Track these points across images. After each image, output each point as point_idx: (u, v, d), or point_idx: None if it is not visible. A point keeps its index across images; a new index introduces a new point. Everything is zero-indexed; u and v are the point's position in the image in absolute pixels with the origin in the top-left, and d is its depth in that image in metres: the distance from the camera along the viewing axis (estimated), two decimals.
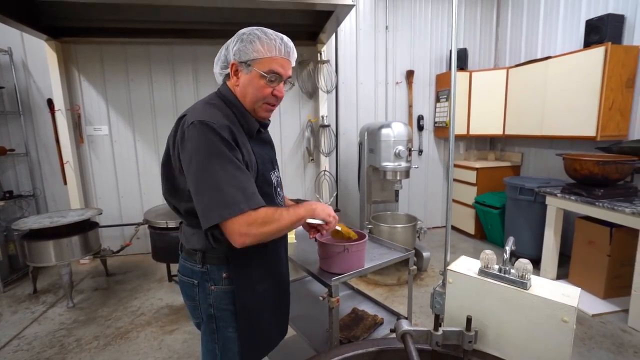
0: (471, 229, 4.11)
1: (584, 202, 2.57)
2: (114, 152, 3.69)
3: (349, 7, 2.71)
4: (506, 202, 3.52)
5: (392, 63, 4.13)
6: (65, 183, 3.52)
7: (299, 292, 1.92)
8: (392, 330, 1.33)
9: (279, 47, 1.00)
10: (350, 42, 4.00)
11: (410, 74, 4.15)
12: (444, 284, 1.54)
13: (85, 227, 2.96)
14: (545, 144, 3.71)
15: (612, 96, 2.79)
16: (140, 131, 3.69)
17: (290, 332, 2.14)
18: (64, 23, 3.17)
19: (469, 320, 1.07)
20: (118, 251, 3.29)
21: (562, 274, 3.04)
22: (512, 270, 1.11)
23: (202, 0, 2.69)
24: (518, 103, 3.69)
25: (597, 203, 2.46)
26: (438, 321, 1.08)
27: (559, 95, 3.16)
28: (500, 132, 3.95)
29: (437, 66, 4.26)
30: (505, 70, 3.83)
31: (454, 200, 4.43)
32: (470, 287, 1.16)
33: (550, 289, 1.05)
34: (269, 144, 1.17)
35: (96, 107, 3.59)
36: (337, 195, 4.04)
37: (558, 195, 2.79)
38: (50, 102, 3.41)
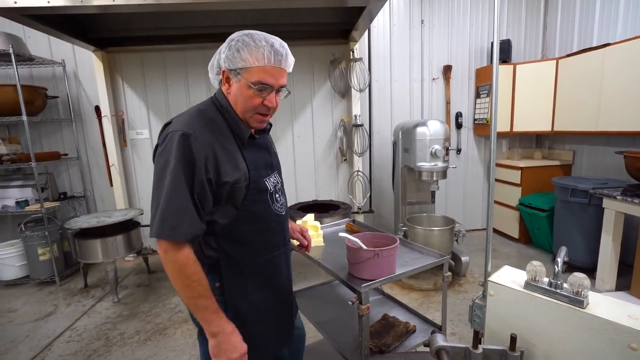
0: (515, 233, 3.84)
1: None
2: None
3: (382, 2, 2.62)
4: (555, 205, 3.25)
5: (428, 59, 3.96)
6: (112, 185, 3.74)
7: (328, 296, 1.88)
8: (425, 345, 1.24)
9: (267, 55, 0.94)
10: (384, 38, 3.88)
11: (447, 69, 3.96)
12: (484, 296, 1.42)
13: (128, 227, 3.12)
14: (602, 141, 3.37)
15: None
16: None
17: (319, 336, 2.11)
18: (108, 34, 3.37)
19: (513, 339, 0.97)
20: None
21: (622, 285, 2.74)
22: (565, 285, 0.99)
23: (235, 4, 2.73)
24: (569, 96, 3.39)
25: None
26: (478, 338, 0.99)
27: (618, 86, 2.85)
28: (549, 129, 3.64)
29: (477, 60, 4.02)
30: (554, 61, 3.53)
31: (495, 202, 4.17)
32: (515, 301, 1.06)
33: (614, 309, 0.93)
34: (265, 149, 1.13)
35: (138, 112, 3.78)
36: (370, 196, 3.95)
37: (618, 197, 2.51)
38: (97, 109, 3.63)
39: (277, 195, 1.11)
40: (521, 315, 1.05)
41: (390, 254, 1.25)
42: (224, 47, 0.98)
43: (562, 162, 3.80)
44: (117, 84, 3.69)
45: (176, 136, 0.91)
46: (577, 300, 0.93)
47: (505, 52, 3.77)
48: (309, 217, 1.70)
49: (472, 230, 4.33)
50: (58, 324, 2.62)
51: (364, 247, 1.26)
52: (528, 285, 1.03)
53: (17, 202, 3.25)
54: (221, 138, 0.97)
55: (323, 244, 1.67)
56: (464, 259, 3.05)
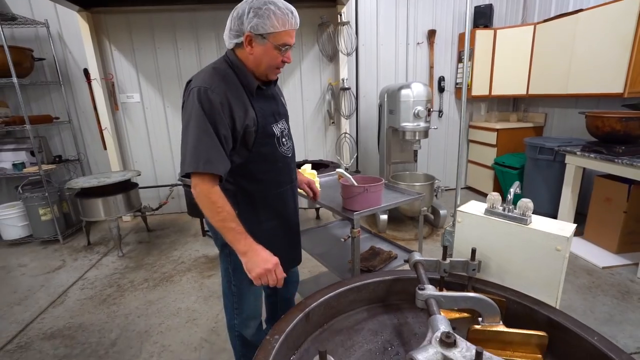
0: (489, 190, 4.17)
1: (603, 159, 2.60)
2: (146, 118, 3.92)
3: None
4: (526, 163, 3.56)
5: (413, 23, 4.05)
6: (105, 148, 3.82)
7: (326, 235, 2.17)
8: (405, 261, 1.52)
9: (290, 21, 1.10)
10: (371, 2, 3.94)
11: (431, 34, 4.08)
12: (454, 224, 1.70)
13: (127, 187, 3.26)
14: (570, 104, 3.65)
15: None
16: (169, 97, 3.88)
17: (319, 266, 2.41)
18: None
19: (473, 251, 1.23)
20: (157, 208, 3.61)
21: (578, 232, 3.11)
22: (515, 210, 1.25)
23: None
24: (544, 61, 3.60)
25: (616, 160, 2.49)
26: (446, 252, 1.24)
27: (587, 50, 3.07)
28: (524, 92, 3.88)
29: (460, 25, 4.14)
30: (532, 27, 3.70)
31: (472, 162, 4.48)
32: (477, 225, 1.31)
33: (548, 224, 1.19)
34: (273, 98, 1.27)
35: (127, 75, 3.78)
36: (357, 157, 4.17)
37: (578, 153, 2.81)
38: (86, 72, 3.62)
39: (283, 140, 1.27)
40: (481, 236, 1.30)
41: (377, 190, 1.49)
42: (245, 12, 1.09)
43: (535, 124, 4.09)
44: (104, 47, 3.66)
45: (196, 91, 1.07)
46: (523, 219, 1.18)
47: (487, 17, 3.90)
48: (307, 166, 1.90)
49: (452, 189, 4.65)
50: (69, 276, 2.82)
51: (356, 183, 1.49)
52: (487, 211, 1.28)
53: (14, 165, 3.32)
54: (234, 89, 1.13)
55: (320, 189, 1.90)
56: (442, 212, 3.36)
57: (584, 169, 2.98)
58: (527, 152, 3.47)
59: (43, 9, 3.49)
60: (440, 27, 4.11)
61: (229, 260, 1.31)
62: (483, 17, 3.90)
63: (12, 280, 2.80)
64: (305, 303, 1.06)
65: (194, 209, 3.21)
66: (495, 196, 1.29)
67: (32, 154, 3.50)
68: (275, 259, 1.11)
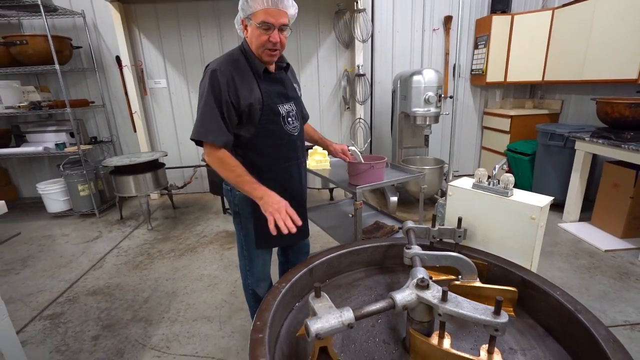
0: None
1: (611, 145, 2.63)
2: (172, 103, 4.19)
3: None
4: (537, 149, 3.59)
5: (429, 9, 4.09)
6: (135, 130, 4.12)
7: (336, 211, 2.37)
8: (400, 229, 1.70)
9: (266, 0, 1.20)
10: None
11: (448, 20, 4.10)
12: (445, 198, 1.85)
13: (155, 166, 3.55)
14: (587, 90, 3.62)
15: None
16: (193, 83, 4.12)
17: (331, 242, 2.61)
18: None
19: (459, 220, 1.38)
20: (182, 186, 3.91)
21: (585, 217, 3.16)
22: (499, 184, 1.39)
23: None
24: (561, 46, 3.58)
25: (624, 146, 2.52)
26: (435, 220, 1.40)
27: (603, 36, 3.06)
28: (540, 79, 3.87)
29: (477, 10, 4.14)
30: (550, 12, 3.67)
31: (485, 148, 4.52)
32: (466, 198, 1.46)
33: (527, 197, 1.33)
34: (281, 82, 1.40)
35: (155, 62, 4.04)
36: (371, 141, 4.30)
37: (587, 139, 2.84)
38: (118, 59, 3.90)
39: (289, 119, 1.40)
40: (469, 207, 1.45)
41: (380, 167, 1.66)
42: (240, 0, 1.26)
43: (550, 111, 4.07)
44: (134, 35, 3.92)
45: (208, 72, 1.26)
46: (505, 192, 1.33)
47: (505, 2, 3.89)
48: (318, 147, 2.09)
49: (465, 175, 4.72)
50: (106, 245, 3.15)
51: (363, 161, 1.66)
52: (475, 185, 1.43)
53: (57, 145, 3.66)
54: (241, 72, 1.29)
55: (329, 167, 2.09)
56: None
57: (595, 156, 3.02)
58: (538, 139, 3.51)
59: (80, 0, 3.76)
60: (457, 13, 4.11)
61: (241, 227, 1.49)
62: (501, 2, 3.89)
63: (57, 247, 3.15)
64: (309, 260, 1.25)
65: (215, 188, 3.47)
66: (482, 171, 1.43)
67: (72, 135, 3.84)
68: (285, 201, 1.24)
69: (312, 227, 2.35)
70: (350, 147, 1.78)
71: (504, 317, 0.76)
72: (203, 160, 3.51)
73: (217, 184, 3.40)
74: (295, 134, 1.45)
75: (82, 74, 4.02)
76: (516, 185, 1.37)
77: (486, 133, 4.52)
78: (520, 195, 1.34)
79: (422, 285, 0.89)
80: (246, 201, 1.40)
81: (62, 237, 3.34)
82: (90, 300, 2.32)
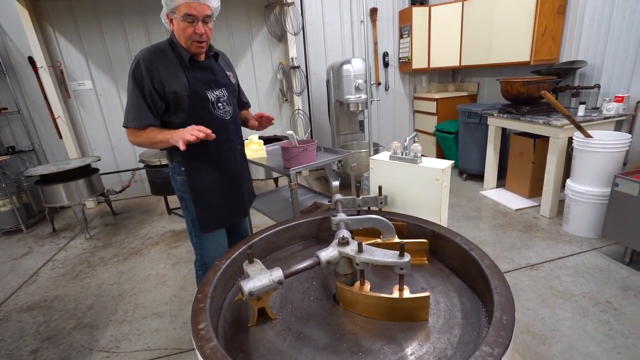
0: (433, 155, 4.63)
1: (513, 118, 3.05)
2: (100, 105, 3.96)
3: None
4: (459, 127, 4.00)
5: (355, 1, 4.30)
6: (61, 137, 3.83)
7: (277, 197, 2.49)
8: (329, 202, 1.85)
9: None
10: None
11: (374, 12, 4.35)
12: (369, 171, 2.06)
13: (88, 172, 3.36)
14: (495, 73, 4.10)
15: (544, 22, 3.13)
16: (123, 83, 3.92)
17: (270, 223, 2.69)
18: None
19: (379, 188, 1.56)
20: (120, 191, 3.74)
21: (501, 184, 3.62)
22: (410, 154, 1.59)
23: None
24: (471, 34, 4.00)
25: (521, 118, 2.94)
26: (359, 190, 1.57)
27: (503, 24, 3.48)
28: (457, 64, 4.29)
29: (400, 2, 4.44)
30: (461, 3, 4.07)
31: (418, 130, 4.90)
32: (384, 168, 1.65)
33: (432, 163, 1.54)
34: (210, 70, 1.47)
35: (76, 62, 3.78)
36: (311, 130, 4.45)
37: (495, 115, 3.25)
38: (31, 60, 3.59)
39: (219, 104, 1.47)
40: (388, 177, 1.64)
41: (312, 149, 1.79)
42: None
43: (469, 93, 4.53)
44: (48, 34, 3.63)
45: (133, 62, 1.34)
46: (414, 160, 1.53)
47: None
48: (254, 136, 2.16)
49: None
50: (38, 259, 2.95)
51: (297, 145, 1.78)
52: (391, 157, 1.62)
53: None
54: (166, 61, 1.36)
55: (266, 156, 2.18)
56: None
57: (504, 129, 3.45)
58: (459, 118, 3.91)
59: None
60: (382, 5, 4.38)
61: (187, 212, 1.56)
62: None
63: None
64: (249, 238, 1.34)
65: (157, 188, 3.38)
66: (396, 144, 1.63)
67: None
68: (191, 127, 1.28)
69: (257, 215, 2.45)
70: (287, 132, 1.89)
71: (406, 257, 0.93)
72: (141, 161, 3.38)
73: (158, 185, 3.32)
74: (227, 118, 1.52)
75: None
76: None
77: (417, 116, 4.89)
78: (427, 162, 1.56)
79: (343, 242, 1.04)
80: (187, 185, 1.49)
81: None
82: (24, 317, 2.19)
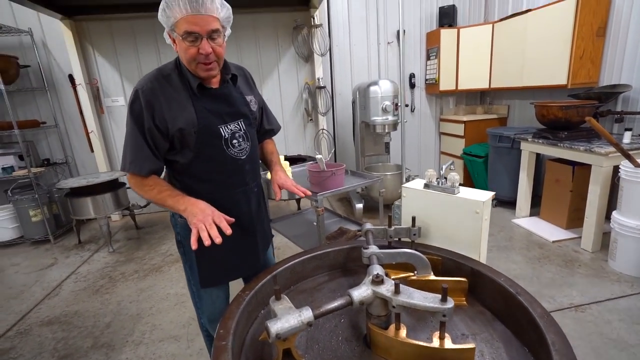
0: (460, 179, 4.46)
1: (549, 144, 2.89)
2: None
3: None
4: (489, 151, 3.85)
5: (383, 24, 4.31)
6: (92, 150, 3.96)
7: (301, 220, 2.41)
8: (359, 231, 1.76)
9: (183, 6, 0.99)
10: (342, 5, 4.18)
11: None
12: (401, 199, 1.96)
13: (115, 186, 3.42)
14: (528, 95, 3.95)
15: (583, 45, 3.00)
16: None
17: (294, 248, 2.63)
18: (76, 2, 3.44)
19: (413, 219, 1.47)
20: (145, 205, 3.78)
21: (535, 212, 3.41)
22: (447, 183, 1.49)
23: None
24: (502, 56, 3.90)
25: (559, 144, 2.78)
26: (391, 220, 1.48)
27: (536, 46, 3.37)
28: (487, 86, 4.18)
29: (427, 24, 4.42)
30: (490, 26, 3.99)
31: (443, 152, 4.77)
32: (418, 198, 1.56)
33: (472, 194, 1.44)
34: (224, 98, 1.19)
35: (111, 79, 3.94)
36: (335, 151, 4.41)
37: (529, 140, 3.10)
38: (71, 78, 3.76)
39: (234, 141, 1.19)
40: (422, 206, 1.55)
41: (340, 173, 1.73)
42: (159, 11, 1.06)
43: (499, 116, 4.39)
44: (88, 53, 3.81)
45: (132, 92, 1.10)
46: (452, 190, 1.43)
47: (451, 17, 4.18)
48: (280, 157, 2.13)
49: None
50: (62, 271, 2.98)
51: (325, 168, 1.72)
52: (426, 186, 1.53)
53: (3, 169, 3.44)
54: (170, 90, 1.11)
55: (291, 178, 2.13)
56: None
57: (538, 154, 3.28)
58: (489, 142, 3.76)
59: (26, 18, 3.62)
60: (409, 27, 4.37)
61: (186, 259, 1.31)
62: (447, 17, 4.19)
63: (6, 279, 2.94)
64: (273, 268, 1.27)
65: None
66: (431, 172, 1.54)
67: (21, 158, 3.62)
68: (213, 208, 1.08)
69: (278, 237, 2.37)
70: (316, 155, 1.83)
71: (449, 303, 0.83)
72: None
73: None
74: (243, 157, 1.24)
75: (32, 94, 3.83)
76: (473, 186, 1.47)
77: (443, 138, 4.77)
78: (466, 193, 1.45)
79: (377, 280, 0.95)
80: (188, 229, 1.15)
81: (11, 268, 3.11)
82: (44, 331, 2.18)
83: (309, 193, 1.42)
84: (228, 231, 1.02)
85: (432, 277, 1.19)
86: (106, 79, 3.92)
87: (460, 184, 1.47)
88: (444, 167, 1.53)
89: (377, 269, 1.04)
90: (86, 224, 4.05)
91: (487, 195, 1.40)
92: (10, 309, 2.46)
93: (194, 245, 0.99)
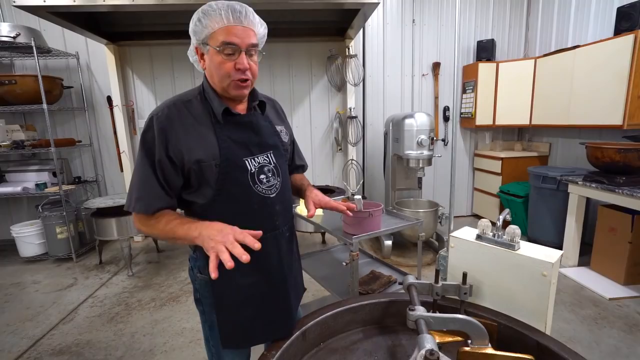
0: (495, 217, 4.17)
1: (605, 189, 2.63)
2: None
3: (374, 5, 2.90)
4: (530, 191, 3.58)
5: (418, 55, 4.25)
6: (122, 170, 4.01)
7: (329, 259, 2.24)
8: (400, 284, 1.57)
9: (225, 15, 0.92)
10: (377, 36, 4.16)
11: (436, 66, 4.25)
12: (447, 249, 1.75)
13: None
14: (573, 134, 3.71)
15: None
16: None
17: (321, 290, 2.44)
18: (120, 29, 3.61)
19: (464, 275, 1.28)
20: None
21: (584, 262, 3.09)
22: (504, 236, 1.31)
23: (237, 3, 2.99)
24: (545, 93, 3.71)
25: (617, 190, 2.52)
26: (438, 275, 1.30)
27: (585, 83, 3.17)
28: (527, 122, 3.97)
29: (464, 57, 4.32)
30: (532, 61, 3.84)
31: (478, 190, 4.51)
32: (469, 250, 1.37)
33: (535, 251, 1.25)
34: (251, 127, 1.05)
35: (147, 101, 4.03)
36: (363, 182, 4.26)
37: (580, 183, 2.84)
38: (109, 99, 3.88)
39: (262, 176, 1.03)
40: (473, 260, 1.36)
41: (378, 214, 1.57)
42: (191, 23, 0.99)
43: (539, 154, 4.13)
44: (127, 76, 3.94)
45: (147, 120, 0.97)
46: (511, 245, 1.24)
47: (489, 51, 4.07)
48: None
49: (458, 216, 4.67)
50: (80, 293, 2.91)
51: (362, 209, 1.57)
52: (478, 237, 1.34)
53: (37, 185, 3.50)
54: (189, 117, 0.98)
55: (322, 214, 1.99)
56: (446, 238, 3.37)
57: (588, 198, 3.00)
58: (531, 181, 3.51)
59: (75, 43, 3.80)
60: (445, 60, 4.29)
61: (205, 318, 1.14)
62: (485, 51, 4.07)
63: (25, 297, 2.89)
64: (302, 322, 1.11)
65: None
66: (485, 222, 1.35)
67: (54, 174, 3.70)
68: (230, 226, 0.88)
69: (304, 275, 2.19)
70: (355, 197, 1.66)
71: None
72: None
73: None
74: (272, 195, 1.05)
75: (71, 113, 3.96)
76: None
77: (477, 174, 4.53)
78: (528, 249, 1.26)
79: (432, 359, 0.78)
80: (209, 289, 1.05)
81: (32, 285, 3.08)
82: None
83: (354, 206, 1.24)
84: (256, 245, 0.82)
85: (491, 349, 0.99)
86: (142, 101, 4.02)
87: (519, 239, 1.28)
88: (500, 217, 1.34)
89: (428, 342, 0.86)
90: (109, 244, 4.03)
91: (556, 255, 1.20)
92: (24, 332, 2.39)
93: (213, 273, 0.78)
